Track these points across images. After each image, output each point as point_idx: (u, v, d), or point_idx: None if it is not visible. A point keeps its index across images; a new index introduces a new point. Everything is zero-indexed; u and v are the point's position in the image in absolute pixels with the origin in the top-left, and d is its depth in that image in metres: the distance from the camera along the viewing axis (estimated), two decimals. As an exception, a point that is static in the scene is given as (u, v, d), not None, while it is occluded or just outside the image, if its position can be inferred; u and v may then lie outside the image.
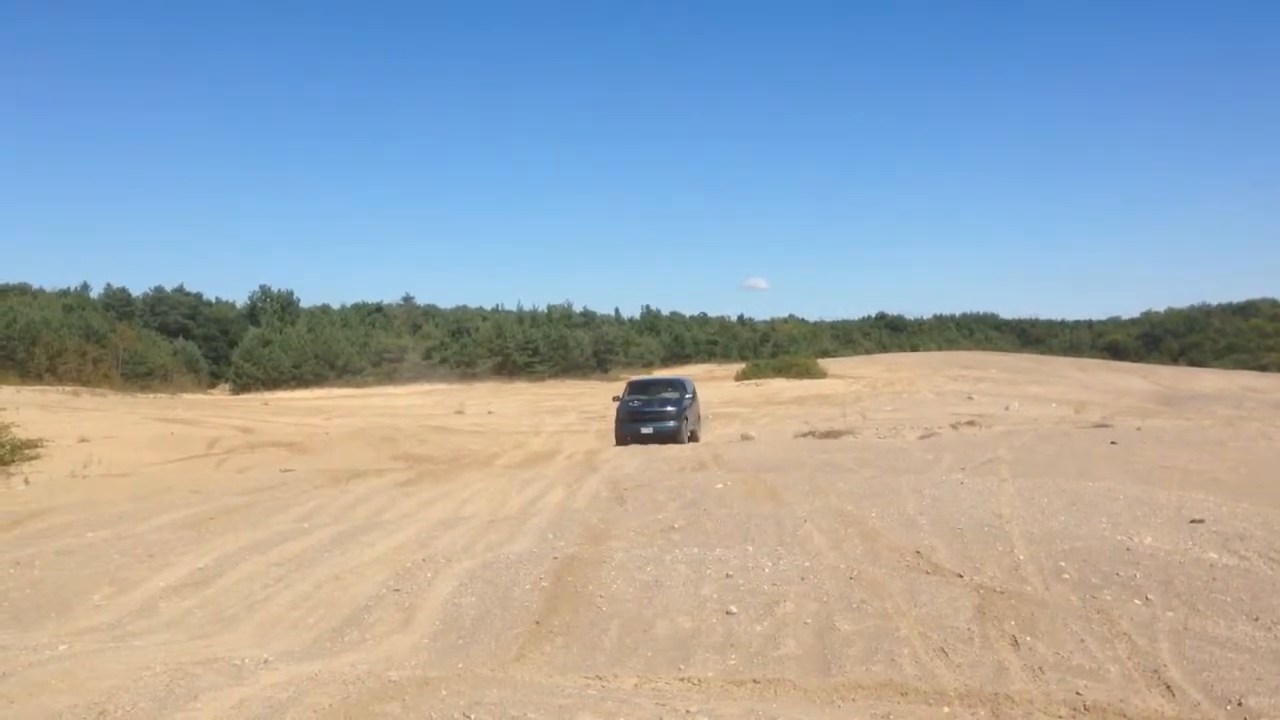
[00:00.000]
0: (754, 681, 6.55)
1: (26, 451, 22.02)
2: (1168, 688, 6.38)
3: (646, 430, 24.46)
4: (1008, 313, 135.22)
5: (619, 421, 25.58)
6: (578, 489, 14.60)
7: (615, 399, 27.09)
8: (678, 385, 27.66)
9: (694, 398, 27.21)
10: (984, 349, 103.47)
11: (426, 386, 67.61)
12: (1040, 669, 6.68)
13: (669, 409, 25.16)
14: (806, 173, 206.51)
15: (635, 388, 27.80)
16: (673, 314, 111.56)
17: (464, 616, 8.03)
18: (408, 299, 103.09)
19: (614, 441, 25.34)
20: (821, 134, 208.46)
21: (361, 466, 21.68)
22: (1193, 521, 10.47)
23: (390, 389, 66.58)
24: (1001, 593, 8.22)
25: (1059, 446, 18.99)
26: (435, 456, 24.18)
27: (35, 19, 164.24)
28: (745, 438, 25.80)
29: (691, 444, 23.99)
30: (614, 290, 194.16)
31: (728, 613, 7.77)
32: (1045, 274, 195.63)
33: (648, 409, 25.24)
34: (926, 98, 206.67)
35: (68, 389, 47.51)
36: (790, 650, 7.08)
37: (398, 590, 8.70)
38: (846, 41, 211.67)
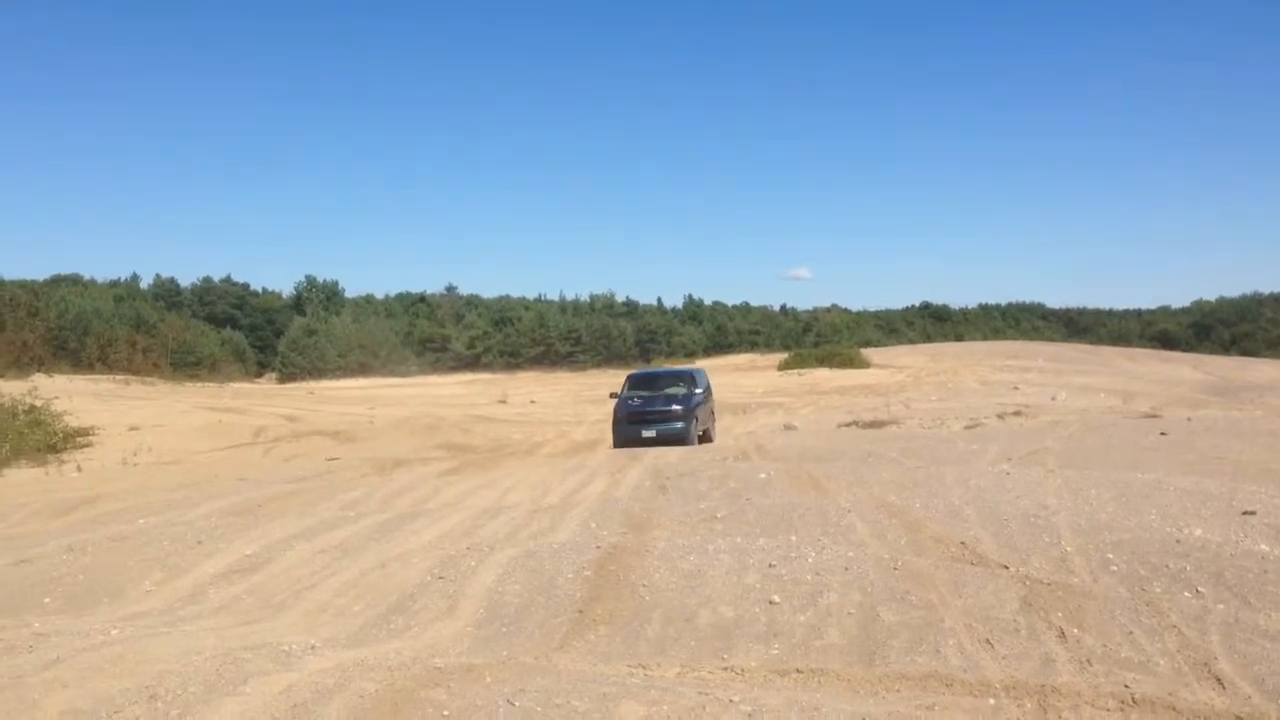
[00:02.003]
0: (797, 671, 6.53)
1: (79, 440, 22.50)
2: (1218, 681, 6.28)
3: (649, 433, 21.14)
4: (1055, 302, 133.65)
5: (616, 423, 22.09)
6: (620, 478, 14.61)
7: (612, 395, 23.22)
8: (686, 378, 23.75)
9: (706, 393, 23.55)
10: (1030, 338, 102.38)
11: (469, 376, 67.99)
12: (1088, 661, 6.61)
13: (675, 407, 21.62)
14: (850, 161, 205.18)
15: (636, 382, 23.85)
16: (715, 303, 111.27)
17: (508, 605, 8.07)
18: (451, 289, 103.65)
19: (611, 446, 22.04)
20: (866, 122, 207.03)
21: (406, 455, 21.84)
22: (1244, 513, 10.29)
23: (434, 378, 67.04)
24: (1048, 584, 8.14)
25: (1107, 437, 18.76)
26: (478, 446, 24.32)
27: (81, 15, 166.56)
28: (788, 427, 25.67)
29: (724, 435, 23.54)
30: (657, 280, 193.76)
31: (770, 602, 7.76)
32: (1093, 262, 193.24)
33: (650, 408, 21.75)
34: (973, 85, 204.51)
35: (119, 378, 48.17)
36: (834, 640, 7.05)
37: (442, 578, 8.76)
38: (889, 29, 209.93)
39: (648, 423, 21.32)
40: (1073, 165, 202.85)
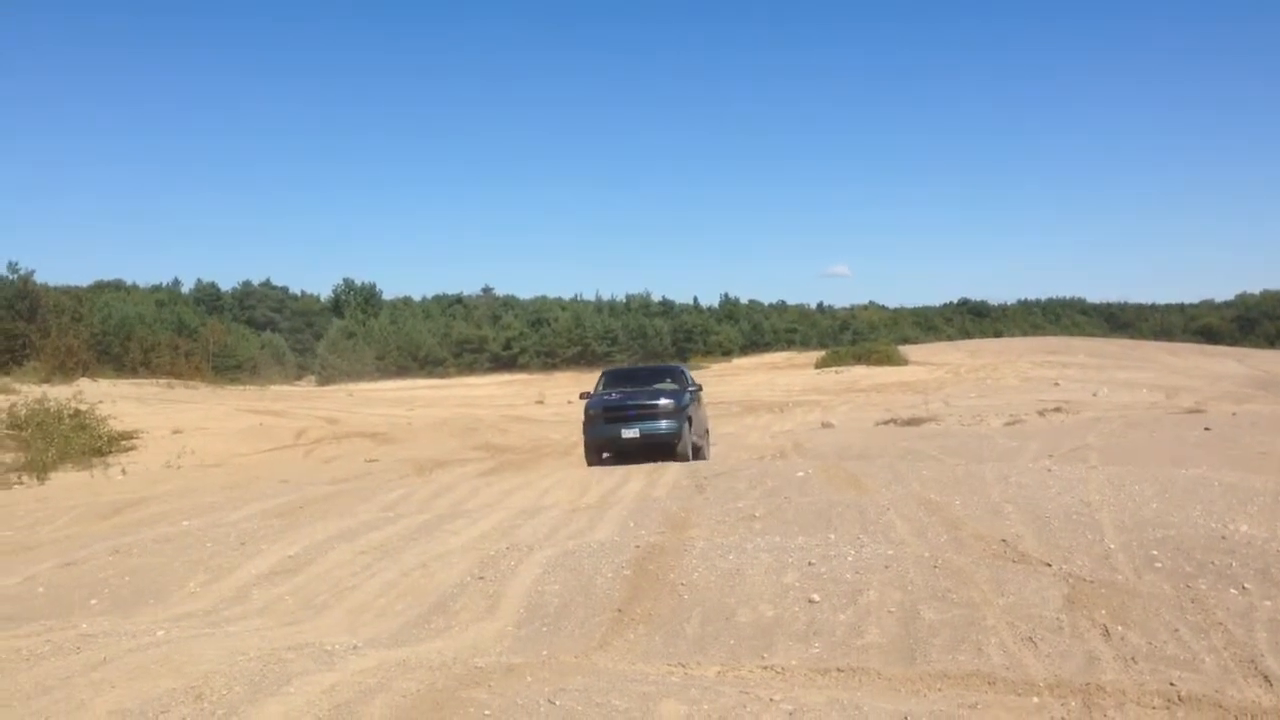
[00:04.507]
0: (837, 670, 6.50)
1: (123, 443, 22.81)
2: (1265, 678, 6.20)
3: (629, 433, 17.06)
4: (1095, 296, 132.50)
5: (588, 425, 17.83)
6: (657, 477, 14.61)
7: (583, 396, 18.92)
8: (673, 374, 19.72)
9: (697, 395, 19.11)
10: (1071, 334, 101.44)
11: (506, 377, 68.25)
12: (1133, 659, 6.54)
13: (662, 402, 17.41)
14: (888, 158, 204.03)
15: (613, 378, 19.85)
16: (751, 302, 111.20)
17: (547, 604, 8.09)
18: (487, 290, 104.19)
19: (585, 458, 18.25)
20: (905, 119, 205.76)
21: (444, 456, 21.97)
22: (1291, 509, 10.15)
23: (471, 379, 67.35)
24: (1091, 582, 8.06)
25: (1150, 433, 18.56)
26: (516, 446, 24.41)
27: (121, 18, 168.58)
28: (826, 425, 25.60)
29: (762, 433, 22.80)
30: (693, 278, 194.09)
31: (810, 601, 7.73)
32: (1135, 257, 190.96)
33: (631, 403, 17.52)
34: (1012, 81, 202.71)
35: (161, 382, 48.78)
36: (874, 639, 7.02)
37: (482, 578, 8.79)
38: (923, 26, 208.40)
39: (628, 420, 17.25)
40: (1114, 160, 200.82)
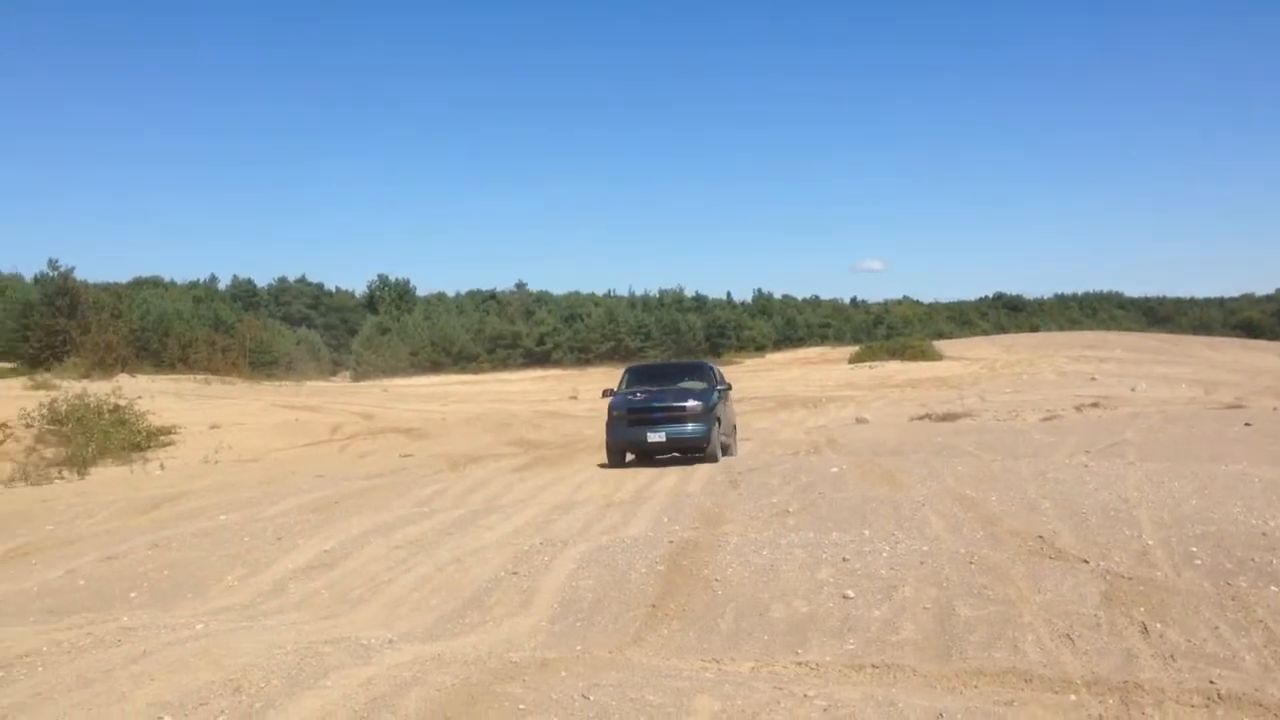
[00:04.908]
0: (872, 666, 6.48)
1: (161, 438, 23.06)
2: (1308, 678, 6.12)
3: (655, 437, 16.17)
4: (1133, 290, 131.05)
5: (611, 426, 16.94)
6: (691, 473, 14.60)
7: (606, 393, 18.18)
8: (701, 371, 18.76)
9: (725, 392, 18.10)
10: (1108, 328, 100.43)
11: (540, 372, 68.44)
12: (1171, 657, 6.47)
13: (690, 403, 16.42)
14: (923, 152, 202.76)
15: (638, 375, 18.85)
16: (785, 297, 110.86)
17: (581, 599, 8.11)
18: (521, 285, 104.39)
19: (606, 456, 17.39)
20: (938, 113, 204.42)
21: (478, 452, 22.05)
22: (1335, 506, 10.01)
23: (505, 375, 67.59)
24: (1130, 578, 7.98)
25: (1189, 428, 18.35)
26: (550, 442, 24.46)
27: (167, 19, 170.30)
28: (860, 421, 25.50)
29: (796, 429, 22.67)
30: (726, 273, 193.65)
31: (845, 597, 7.70)
32: (1173, 250, 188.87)
33: (657, 404, 16.60)
34: (1048, 75, 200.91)
35: (199, 378, 49.32)
36: (909, 635, 6.98)
37: (516, 573, 8.82)
38: (958, 21, 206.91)
39: (654, 423, 16.31)
40: (1151, 152, 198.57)
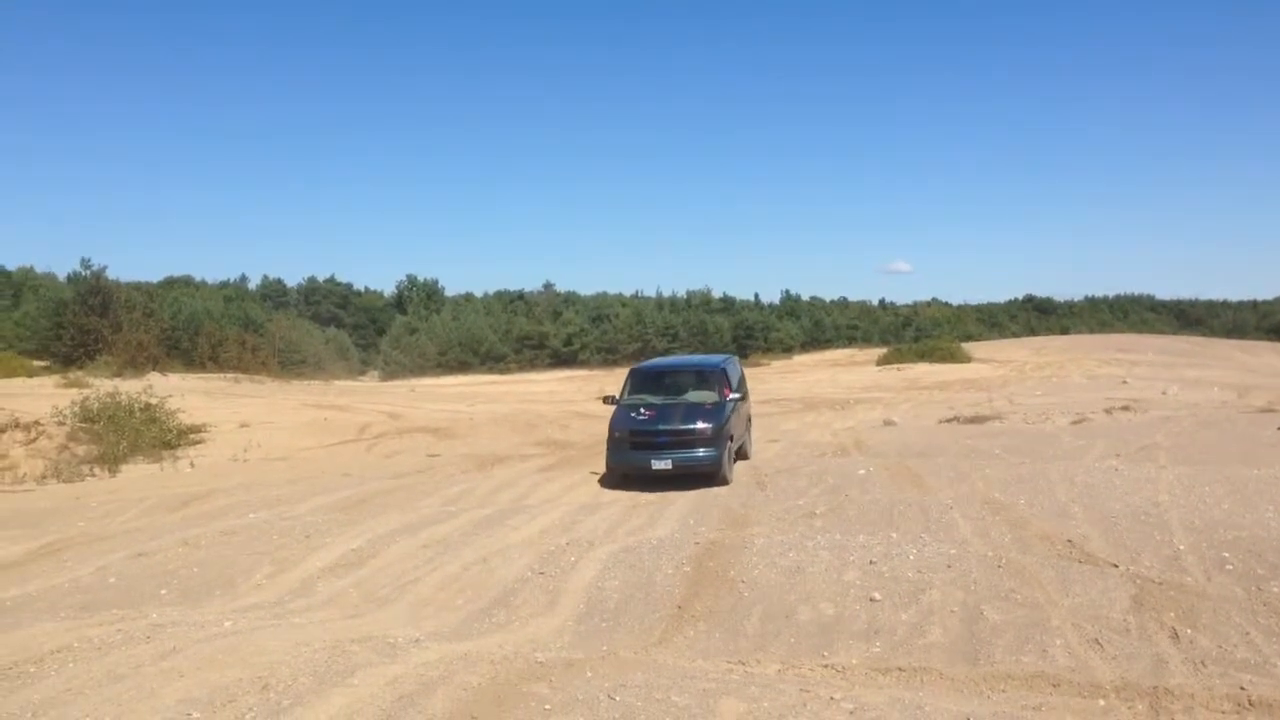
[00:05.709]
0: (899, 670, 6.46)
1: (192, 437, 23.22)
2: (1342, 686, 6.05)
3: (660, 464, 14.25)
4: (1165, 293, 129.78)
5: (612, 448, 15.14)
6: (718, 474, 14.55)
7: (608, 400, 16.34)
8: (712, 376, 16.14)
9: (741, 394, 16.44)
10: (1139, 331, 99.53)
11: (567, 373, 68.55)
12: (1202, 662, 6.41)
13: (700, 425, 14.51)
14: (951, 153, 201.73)
15: (642, 380, 16.42)
16: (813, 298, 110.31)
17: (607, 600, 8.12)
18: (548, 286, 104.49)
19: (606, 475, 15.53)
20: (967, 114, 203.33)
21: (505, 452, 22.08)
22: (1370, 511, 9.89)
23: (532, 375, 67.71)
24: (1160, 583, 7.92)
25: (1221, 432, 18.15)
26: (577, 442, 24.46)
27: (192, 15, 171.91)
28: (888, 423, 25.35)
29: (823, 431, 22.41)
30: (753, 275, 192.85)
31: (871, 600, 7.68)
32: (1206, 253, 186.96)
33: (664, 426, 14.70)
34: (1078, 77, 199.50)
35: (229, 377, 49.59)
36: (936, 639, 6.95)
37: (542, 573, 8.84)
38: (983, 21, 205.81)
39: (658, 448, 14.48)
40: (1183, 154, 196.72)
